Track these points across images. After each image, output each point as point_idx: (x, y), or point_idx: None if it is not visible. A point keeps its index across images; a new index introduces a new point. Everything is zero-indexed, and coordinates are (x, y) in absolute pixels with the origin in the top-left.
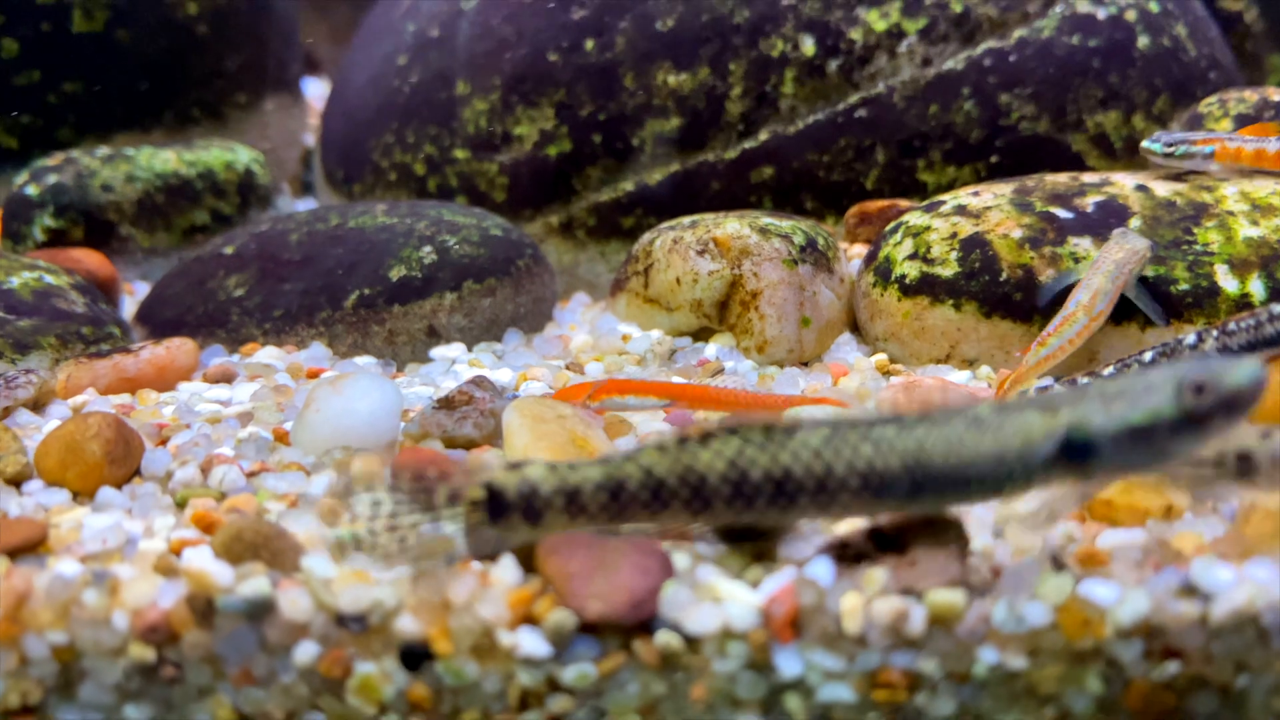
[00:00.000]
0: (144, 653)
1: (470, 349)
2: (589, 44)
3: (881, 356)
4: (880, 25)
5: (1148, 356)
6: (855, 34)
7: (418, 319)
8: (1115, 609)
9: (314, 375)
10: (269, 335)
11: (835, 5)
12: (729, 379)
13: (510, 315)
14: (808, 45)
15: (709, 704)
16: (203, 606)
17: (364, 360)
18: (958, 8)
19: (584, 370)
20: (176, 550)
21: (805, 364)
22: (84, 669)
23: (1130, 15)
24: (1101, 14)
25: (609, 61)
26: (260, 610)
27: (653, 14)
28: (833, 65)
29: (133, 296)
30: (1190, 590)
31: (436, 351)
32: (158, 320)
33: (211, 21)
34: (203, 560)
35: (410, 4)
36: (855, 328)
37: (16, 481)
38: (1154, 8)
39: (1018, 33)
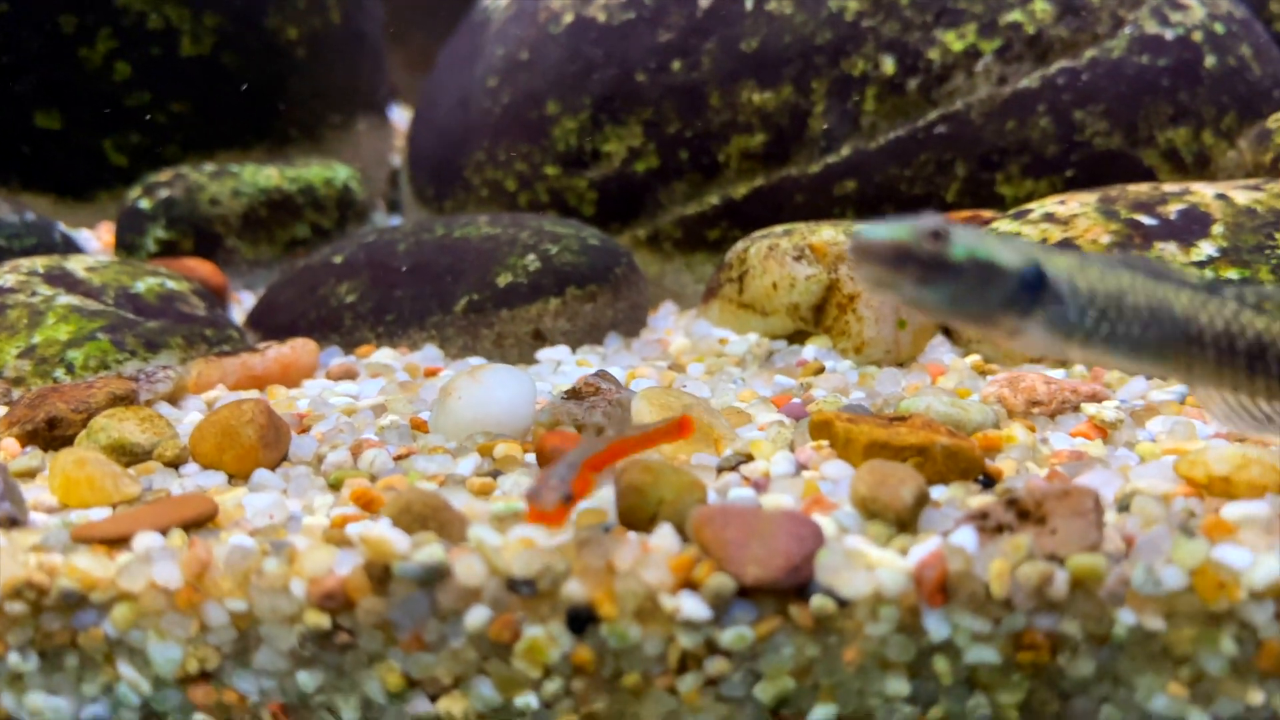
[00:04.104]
0: (319, 620)
1: (574, 351)
2: (676, 65)
3: (976, 357)
4: (958, 45)
5: None
6: (933, 54)
7: (524, 323)
8: (1248, 572)
9: (432, 374)
10: (382, 338)
11: (914, 26)
12: (829, 378)
13: (610, 320)
14: (888, 64)
15: (860, 666)
16: (379, 573)
17: (475, 361)
18: (1031, 29)
19: (686, 370)
20: (339, 525)
21: (902, 364)
22: (260, 636)
23: (1197, 36)
24: (1169, 35)
25: (695, 81)
26: (435, 576)
27: (737, 35)
28: (912, 84)
29: (239, 305)
30: None
31: (542, 354)
32: (270, 325)
33: (310, 46)
34: (381, 529)
35: (498, 29)
36: (947, 331)
37: (174, 464)
38: (1219, 29)
39: (1089, 53)
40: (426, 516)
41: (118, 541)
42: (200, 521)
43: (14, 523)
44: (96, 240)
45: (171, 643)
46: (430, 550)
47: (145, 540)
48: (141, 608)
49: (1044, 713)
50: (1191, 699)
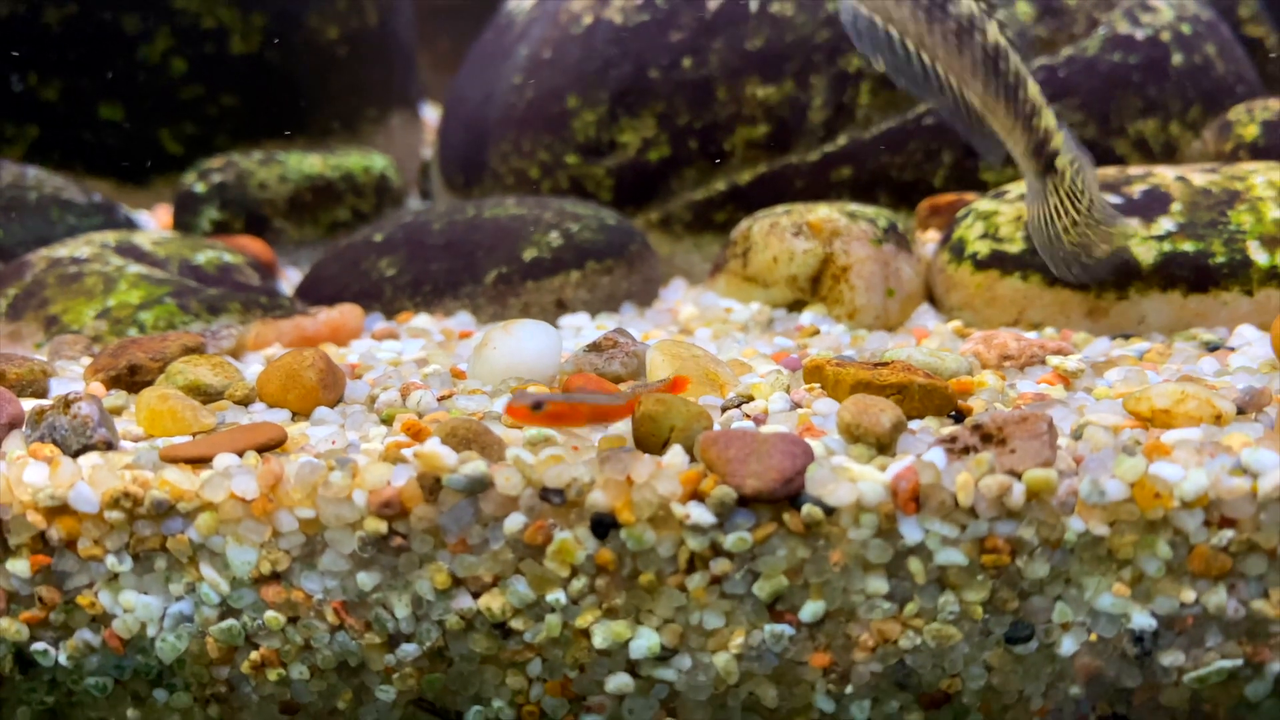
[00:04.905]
0: (377, 526)
1: (593, 318)
2: (686, 62)
3: (957, 323)
4: None
5: None
6: None
7: (548, 293)
8: (1180, 484)
9: (465, 336)
10: (419, 306)
11: None
12: (824, 339)
13: (625, 291)
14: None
15: (844, 567)
16: (431, 485)
17: None
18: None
19: (694, 334)
20: (394, 449)
21: (890, 329)
22: (325, 541)
23: (1165, 36)
24: (1140, 34)
25: (704, 77)
26: (479, 486)
27: (743, 35)
28: None
29: (286, 280)
30: (1241, 470)
31: (564, 320)
32: (317, 296)
33: (349, 45)
34: (431, 446)
35: (522, 30)
36: (932, 300)
37: (243, 403)
38: (1186, 29)
39: (1066, 51)
40: (470, 439)
41: (200, 461)
42: (271, 446)
43: (109, 446)
44: (154, 221)
45: (247, 547)
46: (475, 464)
47: (224, 460)
48: (222, 516)
49: (1005, 609)
50: (1133, 597)
